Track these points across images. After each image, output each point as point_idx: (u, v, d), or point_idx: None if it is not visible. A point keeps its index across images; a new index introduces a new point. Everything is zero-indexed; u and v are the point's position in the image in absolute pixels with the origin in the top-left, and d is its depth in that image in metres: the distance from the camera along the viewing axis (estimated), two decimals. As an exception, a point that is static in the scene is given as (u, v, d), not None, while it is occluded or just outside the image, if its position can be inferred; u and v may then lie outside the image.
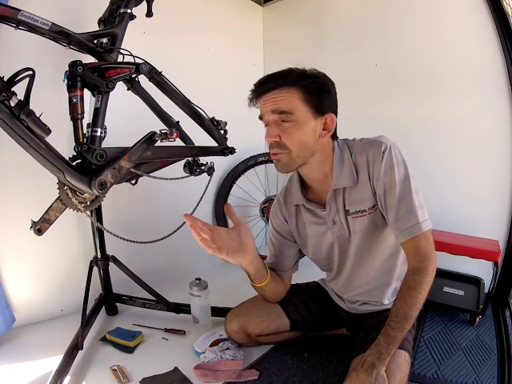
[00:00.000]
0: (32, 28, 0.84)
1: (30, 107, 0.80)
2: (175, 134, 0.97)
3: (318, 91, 0.82)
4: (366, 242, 0.91)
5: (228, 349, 1.06)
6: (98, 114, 0.96)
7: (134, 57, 1.03)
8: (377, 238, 0.90)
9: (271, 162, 1.90)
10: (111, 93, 0.98)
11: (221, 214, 1.91)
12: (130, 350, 1.12)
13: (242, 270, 0.98)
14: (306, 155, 0.85)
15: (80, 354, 1.05)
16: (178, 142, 1.15)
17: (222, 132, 1.32)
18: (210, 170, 1.33)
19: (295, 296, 1.11)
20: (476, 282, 1.44)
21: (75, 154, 0.94)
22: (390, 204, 0.82)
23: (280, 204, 1.04)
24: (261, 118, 0.87)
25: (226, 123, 1.33)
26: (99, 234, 1.28)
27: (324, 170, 0.89)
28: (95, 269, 1.31)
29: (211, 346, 1.09)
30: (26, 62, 0.89)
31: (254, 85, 0.86)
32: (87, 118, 0.97)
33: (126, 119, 1.42)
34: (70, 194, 0.93)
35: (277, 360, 1.05)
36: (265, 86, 0.83)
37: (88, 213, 1.00)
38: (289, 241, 1.04)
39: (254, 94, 0.86)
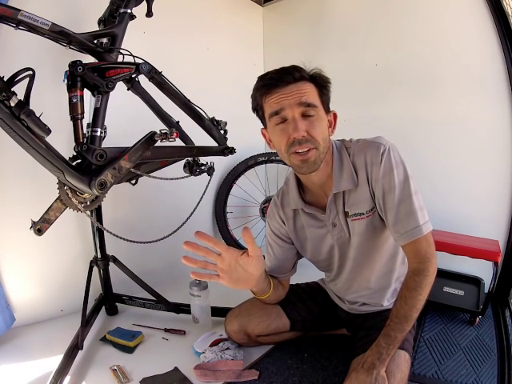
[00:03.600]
0: (32, 28, 0.84)
1: (30, 107, 0.80)
2: (175, 134, 0.97)
3: (328, 89, 0.84)
4: (366, 244, 0.90)
5: (228, 349, 1.06)
6: (98, 113, 0.96)
7: (134, 57, 1.03)
8: (376, 240, 0.90)
9: (271, 162, 1.93)
10: (111, 93, 0.98)
11: (221, 214, 1.91)
12: (130, 349, 1.12)
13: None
14: (325, 152, 0.83)
15: (80, 353, 1.05)
16: (178, 142, 1.15)
17: (222, 132, 1.32)
18: (210, 170, 1.33)
19: (295, 296, 1.11)
20: (476, 282, 1.44)
21: (75, 153, 0.95)
22: (389, 206, 0.81)
23: (277, 207, 1.01)
24: (276, 113, 0.80)
25: (225, 123, 1.33)
26: (99, 234, 1.28)
27: (326, 172, 0.88)
28: (95, 269, 1.30)
29: (211, 345, 1.09)
30: (26, 61, 0.89)
31: (265, 76, 0.82)
32: (87, 117, 0.97)
33: (126, 119, 1.42)
34: (70, 193, 0.93)
35: (277, 360, 1.05)
36: (286, 76, 0.79)
37: (88, 213, 1.00)
38: (287, 243, 1.03)
39: (269, 86, 0.80)
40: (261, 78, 0.84)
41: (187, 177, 1.26)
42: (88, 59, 0.99)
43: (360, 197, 0.86)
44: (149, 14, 1.18)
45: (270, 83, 0.80)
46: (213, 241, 0.78)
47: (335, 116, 0.88)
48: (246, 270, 0.83)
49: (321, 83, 0.83)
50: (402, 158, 0.82)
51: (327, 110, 0.85)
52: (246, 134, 1.80)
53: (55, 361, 0.99)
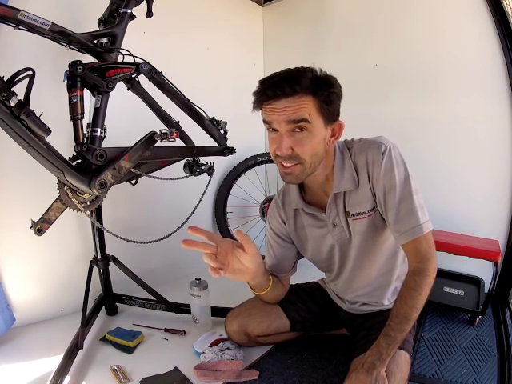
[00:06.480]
0: (32, 28, 0.84)
1: (30, 107, 0.80)
2: (175, 134, 0.97)
3: (334, 101, 0.78)
4: (367, 243, 0.90)
5: (228, 349, 1.06)
6: (98, 114, 0.96)
7: (134, 57, 1.03)
8: (377, 239, 0.90)
9: (271, 162, 1.92)
10: (111, 93, 0.98)
11: (221, 214, 1.91)
12: (130, 349, 1.12)
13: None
14: (316, 165, 0.82)
15: (80, 353, 1.05)
16: (178, 142, 1.15)
17: (222, 132, 1.32)
18: (210, 170, 1.33)
19: (295, 296, 1.11)
20: (476, 282, 1.44)
21: (75, 153, 0.95)
22: (390, 205, 0.81)
23: (278, 206, 1.02)
24: (267, 122, 0.79)
25: (226, 123, 1.32)
26: (99, 234, 1.28)
27: (325, 173, 0.88)
28: (95, 269, 1.31)
29: (211, 346, 1.09)
30: (26, 62, 0.89)
31: (262, 85, 0.77)
32: (87, 117, 0.97)
33: (126, 119, 1.42)
34: (70, 193, 0.93)
35: (277, 360, 1.05)
36: (277, 91, 0.74)
37: (88, 213, 1.00)
38: (287, 243, 1.03)
39: (264, 97, 0.76)
40: (260, 83, 0.79)
41: (187, 177, 1.26)
42: (88, 59, 0.99)
43: (361, 196, 0.86)
44: (149, 14, 1.18)
45: (264, 93, 0.76)
46: (206, 234, 0.81)
47: (341, 126, 0.83)
48: (240, 262, 0.86)
49: (322, 95, 0.75)
50: (402, 157, 0.83)
51: (331, 120, 0.80)
52: (246, 134, 1.81)
53: (55, 361, 0.99)
